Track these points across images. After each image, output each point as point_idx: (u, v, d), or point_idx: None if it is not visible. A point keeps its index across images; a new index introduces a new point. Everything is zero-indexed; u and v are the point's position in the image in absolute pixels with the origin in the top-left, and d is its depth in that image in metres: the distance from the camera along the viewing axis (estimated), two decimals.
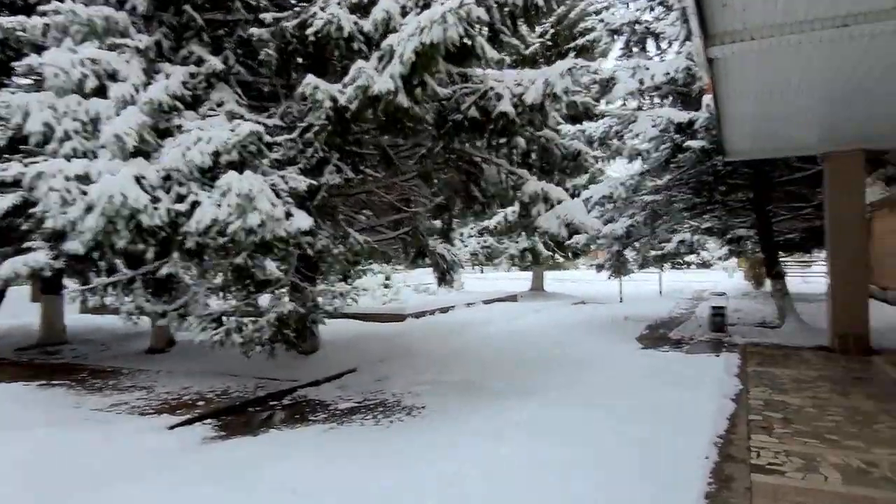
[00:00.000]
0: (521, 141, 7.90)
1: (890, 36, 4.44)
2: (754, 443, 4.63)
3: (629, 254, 15.43)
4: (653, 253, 16.74)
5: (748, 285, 23.93)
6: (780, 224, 13.03)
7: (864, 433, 4.80)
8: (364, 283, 15.85)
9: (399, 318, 12.66)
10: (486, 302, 16.44)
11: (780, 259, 12.70)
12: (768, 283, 21.78)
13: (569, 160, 9.47)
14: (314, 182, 6.68)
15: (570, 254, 19.74)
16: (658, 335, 11.41)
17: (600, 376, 7.33)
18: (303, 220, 6.10)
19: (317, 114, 6.35)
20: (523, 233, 18.98)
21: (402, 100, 5.95)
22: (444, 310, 14.35)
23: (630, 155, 11.18)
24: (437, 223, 10.64)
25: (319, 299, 7.48)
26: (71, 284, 10.21)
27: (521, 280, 26.80)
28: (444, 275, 11.23)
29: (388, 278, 15.71)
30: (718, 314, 10.45)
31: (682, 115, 10.12)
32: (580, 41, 19.28)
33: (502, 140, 7.85)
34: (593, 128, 12.17)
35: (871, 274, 8.43)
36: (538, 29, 21.10)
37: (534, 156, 9.58)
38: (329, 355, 8.79)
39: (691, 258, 36.97)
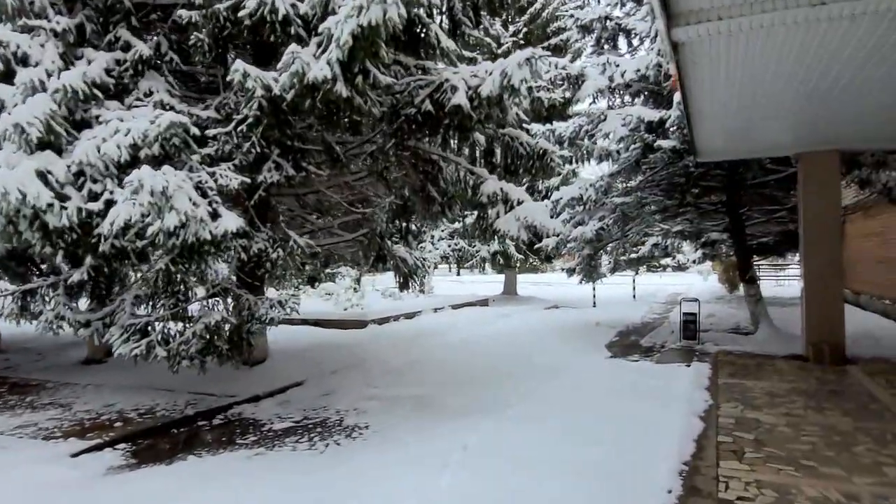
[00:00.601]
0: (480, 138, 7.39)
1: (872, 17, 4.00)
2: (723, 471, 4.14)
3: (603, 257, 15.10)
4: (625, 257, 16.39)
5: (722, 288, 23.77)
6: (753, 227, 12.72)
7: (842, 458, 4.35)
8: (330, 287, 15.24)
9: (361, 324, 12.06)
10: (455, 307, 15.91)
11: (754, 262, 12.39)
12: (742, 287, 21.72)
13: (534, 160, 8.98)
14: (248, 180, 6.08)
15: (542, 257, 19.33)
16: (628, 342, 10.99)
17: (564, 390, 6.83)
18: (231, 222, 5.50)
19: (250, 104, 5.76)
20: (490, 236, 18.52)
21: (342, 89, 5.40)
22: (410, 315, 13.79)
23: (600, 155, 10.75)
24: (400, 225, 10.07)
25: (263, 306, 6.87)
26: None
27: (496, 283, 26.35)
28: (407, 279, 10.69)
29: (357, 282, 15.10)
30: (690, 321, 10.05)
31: (653, 114, 9.71)
32: (553, 40, 18.90)
33: (459, 136, 7.32)
34: (563, 128, 11.73)
35: (844, 278, 8.15)
36: (511, 28, 20.68)
37: (497, 155, 9.10)
38: (277, 366, 8.17)
39: (667, 261, 36.94)
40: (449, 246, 18.90)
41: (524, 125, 10.51)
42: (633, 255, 28.46)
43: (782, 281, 27.53)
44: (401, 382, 7.59)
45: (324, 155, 6.95)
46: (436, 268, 20.95)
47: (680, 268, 40.17)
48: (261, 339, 8.41)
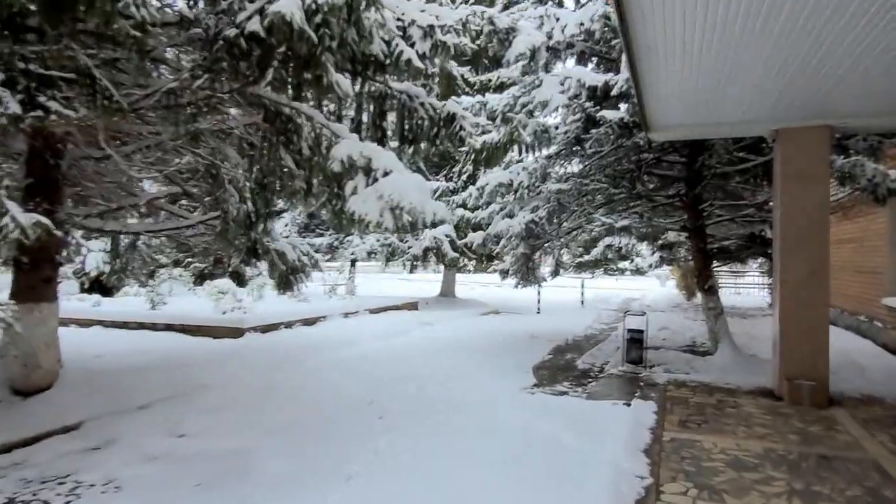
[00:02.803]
0: (341, 83, 5.14)
1: None
2: None
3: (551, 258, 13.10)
4: (571, 258, 14.45)
5: (680, 295, 22.15)
6: (715, 227, 10.85)
7: None
8: (225, 286, 12.77)
9: (236, 332, 9.72)
10: (374, 311, 13.67)
11: (714, 269, 10.50)
12: (701, 297, 20.05)
13: (439, 126, 6.81)
14: None
15: (480, 256, 17.26)
16: (562, 363, 8.94)
17: (447, 448, 4.67)
18: None
19: None
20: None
21: None
22: (311, 321, 11.49)
23: (535, 132, 8.64)
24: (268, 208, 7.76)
25: None
26: None
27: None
28: (287, 279, 8.43)
29: (238, 278, 12.67)
30: (636, 340, 8.05)
31: (597, 78, 7.68)
32: None
33: (314, 82, 5.06)
34: (495, 101, 9.66)
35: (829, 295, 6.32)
36: None
37: (391, 118, 6.90)
38: (60, 398, 5.79)
39: (625, 265, 35.43)
40: (377, 240, 16.64)
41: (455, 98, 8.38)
42: (587, 257, 26.68)
43: (740, 289, 26.13)
44: (222, 426, 5.33)
45: (90, 89, 4.59)
46: (353, 265, 18.66)
47: (638, 272, 38.77)
48: (48, 356, 6.03)
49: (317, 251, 17.67)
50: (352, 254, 17.14)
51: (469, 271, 27.10)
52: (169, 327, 10.03)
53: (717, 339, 8.85)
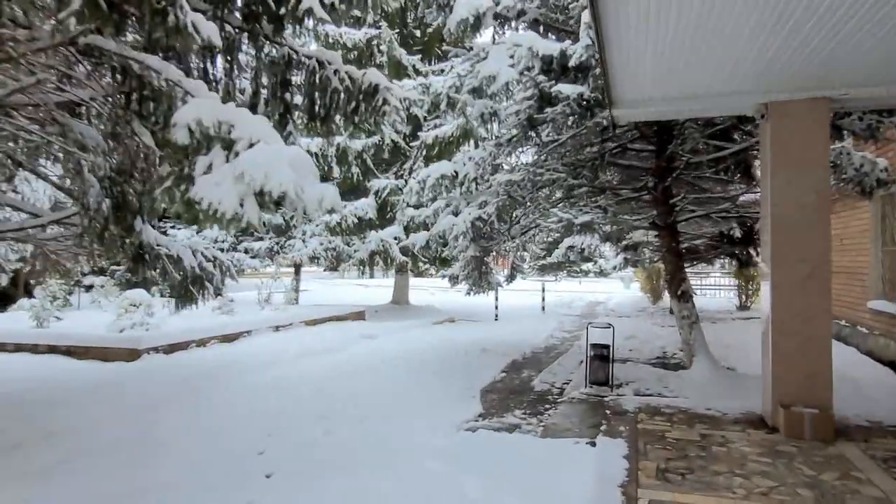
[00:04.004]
0: (200, 26, 3.76)
1: None
2: None
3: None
4: (529, 261, 13.27)
5: (645, 298, 21.24)
6: (685, 225, 9.77)
7: None
8: (140, 297, 11.10)
9: (131, 354, 8.15)
10: (312, 322, 12.20)
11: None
12: (667, 298, 19.09)
13: (358, 100, 5.46)
14: None
15: (434, 259, 15.94)
16: (517, 383, 7.68)
17: None
18: None
19: None
20: (374, 233, 14.91)
21: None
22: (232, 337, 9.96)
23: (482, 115, 7.37)
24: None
25: None
26: None
27: (413, 288, 22.33)
28: (187, 291, 7.00)
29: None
30: (600, 357, 6.83)
31: (552, 46, 6.45)
32: None
33: (163, 25, 3.65)
34: (439, 82, 8.39)
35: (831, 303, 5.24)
36: None
37: (299, 95, 5.52)
38: None
39: (588, 266, 34.69)
40: (321, 244, 15.15)
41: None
42: (550, 259, 25.64)
43: (706, 291, 25.45)
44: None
45: None
46: (297, 271, 17.14)
47: (602, 274, 38.03)
48: None
49: (254, 256, 16.11)
50: (292, 258, 15.63)
51: (431, 275, 25.72)
52: (52, 349, 8.41)
53: (693, 352, 7.73)
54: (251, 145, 3.38)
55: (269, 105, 5.36)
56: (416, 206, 11.24)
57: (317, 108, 5.39)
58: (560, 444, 4.93)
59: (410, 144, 15.92)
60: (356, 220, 14.61)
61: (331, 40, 15.56)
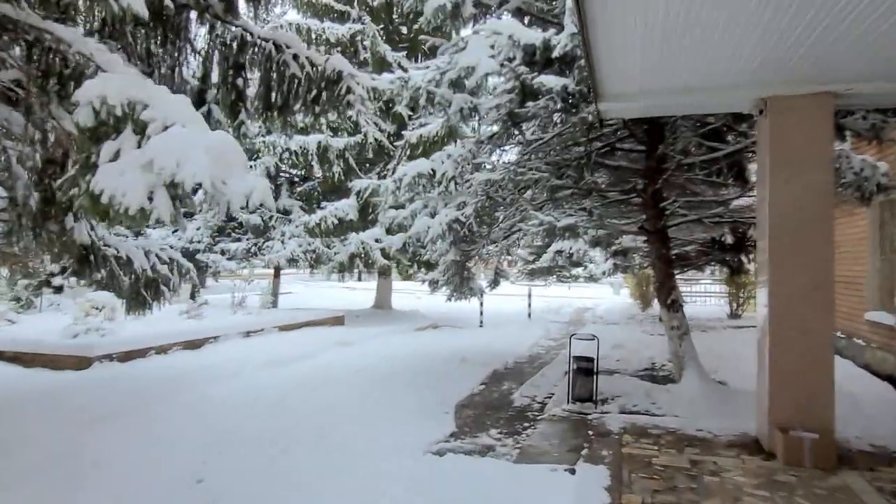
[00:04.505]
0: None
1: None
2: None
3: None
4: (519, 264, 12.79)
5: (634, 305, 20.81)
6: (675, 231, 9.33)
7: None
8: (106, 300, 10.49)
9: (83, 362, 7.59)
10: (287, 328, 11.65)
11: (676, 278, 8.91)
12: (657, 304, 18.67)
13: (319, 88, 4.96)
14: None
15: (418, 264, 15.42)
16: (496, 397, 7.20)
17: None
18: None
19: None
20: (354, 235, 14.37)
21: None
22: (197, 344, 9.40)
23: (461, 110, 6.90)
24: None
25: None
26: None
27: (400, 292, 21.61)
28: (137, 295, 6.46)
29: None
30: (584, 371, 6.35)
31: (534, 35, 5.98)
32: None
33: None
34: (418, 76, 7.90)
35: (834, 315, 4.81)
36: None
37: (256, 73, 5.02)
38: None
39: (578, 271, 34.29)
40: (300, 245, 14.60)
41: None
42: (540, 264, 25.19)
43: (696, 298, 25.03)
44: None
45: None
46: (277, 274, 16.60)
47: (592, 279, 37.58)
48: None
49: (231, 258, 15.54)
50: (269, 260, 15.07)
51: (419, 279, 25.09)
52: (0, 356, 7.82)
53: (682, 365, 7.27)
54: (166, 129, 2.87)
55: (219, 91, 4.86)
56: (398, 207, 10.79)
57: (273, 95, 4.89)
58: (536, 473, 4.44)
59: (395, 144, 15.41)
60: (336, 221, 14.08)
61: (313, 35, 15.05)
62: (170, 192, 2.75)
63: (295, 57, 4.92)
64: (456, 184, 7.58)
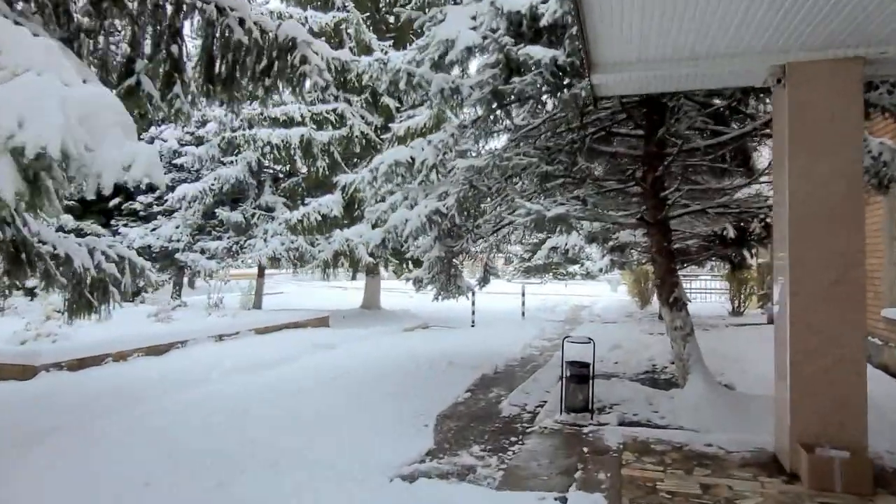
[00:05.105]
0: None
1: None
2: None
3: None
4: (514, 262, 12.14)
5: (633, 302, 20.17)
6: (677, 223, 8.71)
7: None
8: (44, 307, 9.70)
9: (27, 371, 6.91)
10: (264, 331, 10.98)
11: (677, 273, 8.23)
12: (655, 302, 18.01)
13: (272, 58, 4.30)
14: None
15: (402, 261, 14.76)
16: (482, 406, 6.55)
17: None
18: None
19: None
20: (338, 232, 13.73)
21: None
22: (160, 350, 8.72)
23: (442, 91, 6.22)
24: None
25: None
26: None
27: (390, 292, 20.86)
28: (80, 298, 5.82)
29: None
30: (578, 378, 5.69)
31: (519, 2, 5.32)
32: None
33: None
34: (398, 57, 7.27)
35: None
36: None
37: (198, 41, 4.36)
38: None
39: (574, 268, 33.69)
40: (282, 244, 13.92)
41: None
42: (536, 261, 24.51)
43: (695, 295, 24.39)
44: None
45: None
46: (261, 273, 15.93)
47: (589, 276, 36.90)
48: None
49: (211, 257, 14.87)
50: (249, 259, 14.40)
51: (405, 279, 24.29)
52: None
53: (687, 369, 6.63)
54: (16, 75, 2.21)
55: (151, 61, 4.19)
56: (384, 201, 10.14)
57: (217, 66, 4.23)
58: (522, 501, 3.78)
59: (382, 137, 14.75)
60: (319, 218, 13.41)
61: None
62: (19, 161, 2.08)
63: (241, 22, 4.27)
64: (438, 173, 6.93)
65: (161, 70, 4.20)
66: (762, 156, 9.52)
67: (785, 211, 4.35)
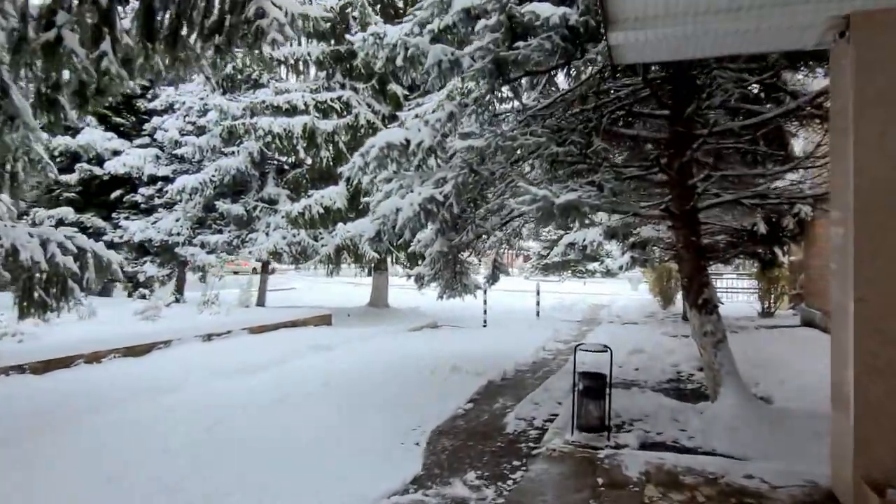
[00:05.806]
0: None
1: None
2: None
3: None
4: (532, 259, 11.35)
5: (654, 302, 19.20)
6: (706, 214, 7.86)
7: None
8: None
9: None
10: (258, 330, 10.34)
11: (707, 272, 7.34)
12: (679, 301, 17.04)
13: (223, 10, 3.59)
14: None
15: (413, 258, 14.03)
16: (484, 420, 5.81)
17: None
18: None
19: None
20: (341, 225, 13.05)
21: None
22: (139, 350, 8.10)
23: (440, 63, 5.48)
24: None
25: None
26: None
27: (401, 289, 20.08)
28: (30, 296, 5.22)
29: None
30: (592, 392, 4.90)
31: None
32: None
33: None
34: (395, 32, 6.56)
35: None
36: None
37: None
38: None
39: (594, 266, 32.71)
40: (284, 237, 13.30)
41: None
42: (554, 258, 23.63)
43: (720, 295, 23.26)
44: None
45: None
46: (265, 268, 15.34)
47: (609, 274, 35.76)
48: None
49: (211, 251, 14.32)
50: (249, 253, 13.81)
51: (406, 276, 23.43)
52: None
53: (718, 380, 5.81)
54: None
55: (73, 13, 3.51)
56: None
57: (157, 20, 3.54)
58: None
59: (389, 126, 14.03)
60: (322, 210, 12.74)
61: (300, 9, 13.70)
62: None
63: None
64: (437, 157, 6.19)
65: (88, 22, 3.51)
66: (800, 140, 8.62)
67: (848, 194, 3.52)
